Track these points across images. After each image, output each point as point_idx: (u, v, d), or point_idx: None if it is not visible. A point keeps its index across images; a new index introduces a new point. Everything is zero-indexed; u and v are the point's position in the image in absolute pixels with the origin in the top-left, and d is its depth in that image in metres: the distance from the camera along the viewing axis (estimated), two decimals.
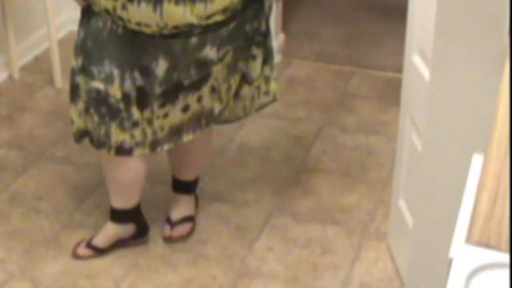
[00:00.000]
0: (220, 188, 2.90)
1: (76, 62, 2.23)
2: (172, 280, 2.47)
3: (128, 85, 2.17)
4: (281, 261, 2.55)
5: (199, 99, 2.27)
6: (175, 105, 2.24)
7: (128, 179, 2.43)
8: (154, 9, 2.02)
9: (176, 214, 2.64)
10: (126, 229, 2.55)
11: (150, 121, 2.25)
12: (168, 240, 2.62)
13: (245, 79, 2.35)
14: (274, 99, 2.48)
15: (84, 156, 3.06)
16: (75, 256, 2.55)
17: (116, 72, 2.16)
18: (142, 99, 2.20)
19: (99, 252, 2.55)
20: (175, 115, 2.26)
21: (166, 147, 2.32)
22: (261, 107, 2.48)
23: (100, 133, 2.25)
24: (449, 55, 1.87)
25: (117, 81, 2.16)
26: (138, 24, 2.06)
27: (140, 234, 2.60)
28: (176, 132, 2.30)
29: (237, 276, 2.49)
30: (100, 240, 2.55)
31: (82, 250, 2.55)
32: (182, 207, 2.65)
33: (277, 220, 2.74)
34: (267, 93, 2.43)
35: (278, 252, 2.59)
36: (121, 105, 2.19)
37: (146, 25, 2.06)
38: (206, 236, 2.66)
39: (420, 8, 2.11)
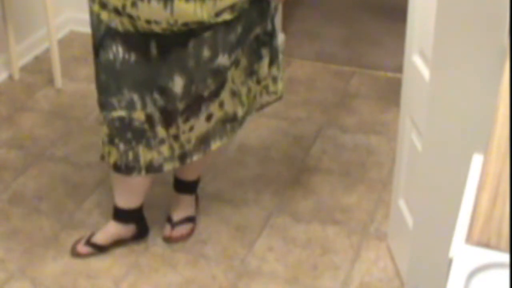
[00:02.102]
0: (220, 188, 2.90)
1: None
2: (172, 280, 2.47)
3: (150, 107, 2.20)
4: (281, 261, 2.55)
5: (221, 105, 2.27)
6: (199, 117, 2.25)
7: (135, 179, 2.42)
8: (165, 6, 2.02)
9: (177, 214, 2.64)
10: (127, 229, 2.56)
11: (176, 137, 2.26)
12: (168, 240, 2.62)
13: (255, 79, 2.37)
14: (280, 97, 2.47)
15: (84, 156, 3.06)
16: (74, 253, 2.55)
17: (136, 97, 2.18)
18: (167, 117, 2.22)
19: (98, 249, 2.55)
20: (200, 125, 2.27)
21: (195, 158, 2.33)
22: (263, 106, 2.47)
23: (128, 159, 2.27)
24: (449, 55, 1.87)
25: (139, 105, 2.19)
26: (148, 21, 2.06)
27: (140, 235, 2.60)
28: (204, 141, 2.31)
29: (237, 276, 2.49)
30: (100, 237, 2.55)
31: (81, 247, 2.55)
32: (183, 207, 2.65)
33: (277, 220, 2.74)
34: (274, 92, 2.44)
35: (278, 252, 2.59)
36: (146, 126, 2.22)
37: (156, 23, 2.06)
38: (206, 236, 2.66)
39: (420, 8, 2.11)
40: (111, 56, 2.16)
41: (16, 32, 3.61)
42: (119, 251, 2.58)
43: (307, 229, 2.69)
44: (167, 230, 2.63)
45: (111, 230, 2.55)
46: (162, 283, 2.46)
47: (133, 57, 2.14)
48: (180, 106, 2.20)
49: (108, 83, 2.20)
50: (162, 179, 2.79)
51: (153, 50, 2.14)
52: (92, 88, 3.44)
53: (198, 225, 2.70)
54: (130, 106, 2.20)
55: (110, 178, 2.54)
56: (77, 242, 2.58)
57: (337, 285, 2.45)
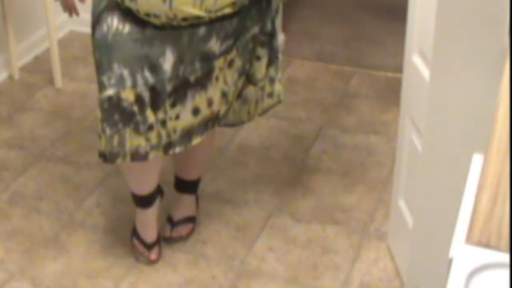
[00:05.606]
0: (220, 188, 2.90)
1: None
2: (172, 280, 2.47)
3: (140, 86, 2.12)
4: (281, 261, 2.55)
5: (210, 104, 2.23)
6: (185, 105, 2.20)
7: (145, 164, 2.38)
8: (164, 0, 2.00)
9: (178, 214, 2.64)
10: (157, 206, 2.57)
11: (163, 123, 2.20)
12: (168, 240, 2.62)
13: (249, 79, 2.34)
14: (279, 101, 2.45)
15: (84, 156, 3.06)
16: (151, 262, 2.54)
17: (126, 73, 2.11)
18: (155, 99, 2.16)
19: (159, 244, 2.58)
20: (186, 116, 2.22)
21: (177, 149, 2.28)
22: (265, 110, 2.45)
23: (113, 145, 2.18)
24: (449, 55, 1.87)
25: (129, 83, 2.11)
26: (147, 15, 2.04)
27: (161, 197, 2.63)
28: (187, 135, 2.28)
29: (237, 276, 2.49)
30: (151, 234, 2.55)
31: (152, 254, 2.55)
32: (184, 207, 2.65)
33: (277, 220, 2.74)
34: (271, 94, 2.41)
35: (278, 252, 2.59)
36: (135, 108, 2.14)
37: (155, 16, 2.04)
38: (206, 236, 2.66)
39: (420, 8, 2.11)
40: (104, 28, 2.11)
41: (16, 32, 3.61)
42: (119, 251, 2.58)
43: (307, 229, 2.69)
44: (167, 230, 2.63)
45: (153, 218, 2.53)
46: (162, 283, 2.46)
47: (127, 28, 2.09)
48: (168, 87, 2.15)
49: (100, 60, 2.13)
50: (163, 179, 2.79)
51: (149, 26, 2.10)
52: (92, 88, 3.45)
53: (198, 225, 2.70)
54: (120, 83, 2.11)
55: (121, 171, 2.49)
56: (139, 254, 2.56)
57: (337, 285, 2.46)
